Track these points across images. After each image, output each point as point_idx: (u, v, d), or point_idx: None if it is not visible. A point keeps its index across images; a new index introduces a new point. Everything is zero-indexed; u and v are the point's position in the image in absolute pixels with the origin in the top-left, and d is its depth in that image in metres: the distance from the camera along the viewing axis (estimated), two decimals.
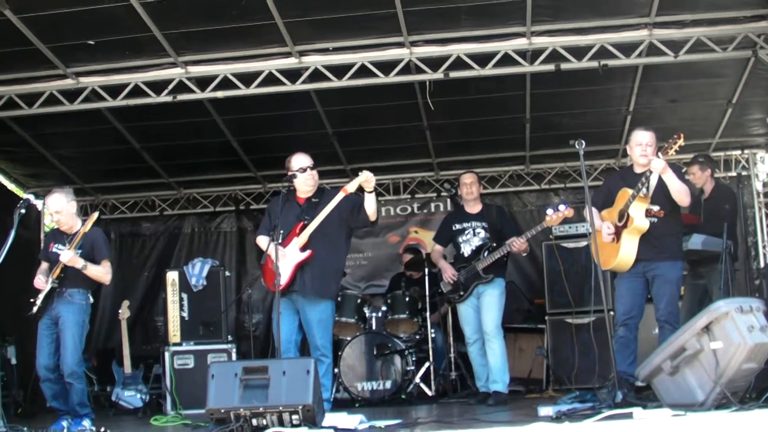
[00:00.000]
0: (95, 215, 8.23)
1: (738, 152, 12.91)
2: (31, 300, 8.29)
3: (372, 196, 7.98)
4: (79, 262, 8.13)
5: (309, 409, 6.24)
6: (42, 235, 12.80)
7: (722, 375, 6.35)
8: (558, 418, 6.60)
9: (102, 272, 8.38)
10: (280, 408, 6.24)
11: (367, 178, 7.82)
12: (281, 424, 6.27)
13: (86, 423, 8.03)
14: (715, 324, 6.41)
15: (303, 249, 7.99)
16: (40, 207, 12.90)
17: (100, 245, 8.46)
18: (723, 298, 8.35)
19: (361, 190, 7.96)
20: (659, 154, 7.48)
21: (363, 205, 8.01)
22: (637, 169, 7.92)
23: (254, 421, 6.29)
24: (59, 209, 8.42)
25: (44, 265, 8.51)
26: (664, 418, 5.86)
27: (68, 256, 8.07)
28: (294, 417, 6.25)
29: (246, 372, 6.40)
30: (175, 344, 10.69)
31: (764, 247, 12.59)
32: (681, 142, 7.37)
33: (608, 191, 8.17)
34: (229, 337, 10.91)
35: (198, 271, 10.93)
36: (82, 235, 8.15)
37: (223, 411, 6.31)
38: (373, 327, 10.78)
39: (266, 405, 6.26)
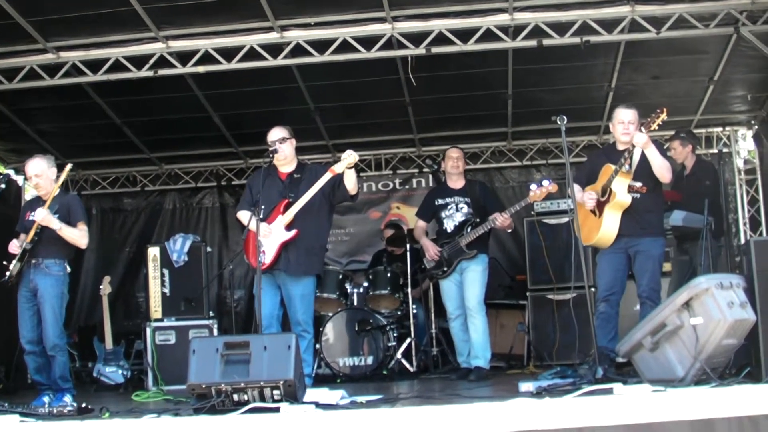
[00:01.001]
0: (68, 167, 8.27)
1: (719, 129, 12.94)
2: (4, 262, 8.27)
3: (352, 172, 7.99)
4: (54, 222, 8.10)
5: (290, 384, 6.23)
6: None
7: (702, 351, 6.38)
8: (538, 393, 6.63)
9: (78, 235, 8.35)
10: (261, 383, 6.22)
11: (353, 158, 7.82)
12: (262, 399, 6.25)
13: (67, 398, 8.01)
14: (695, 300, 6.44)
15: (288, 228, 7.98)
16: (20, 182, 12.83)
17: (76, 208, 8.43)
18: (706, 274, 8.46)
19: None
20: (642, 128, 7.50)
21: (343, 180, 8.00)
22: (620, 146, 7.94)
23: (235, 397, 6.27)
24: (39, 173, 8.38)
25: (21, 237, 8.47)
26: (643, 394, 5.86)
27: (42, 214, 8.07)
28: (275, 392, 6.23)
29: (227, 347, 6.38)
30: (156, 320, 10.67)
31: (745, 224, 12.64)
32: (664, 116, 7.40)
33: (591, 168, 8.19)
34: (210, 312, 10.86)
35: (179, 246, 10.89)
36: (55, 191, 8.18)
37: (204, 386, 6.29)
38: (355, 303, 10.81)
39: (247, 380, 6.24)
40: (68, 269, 8.41)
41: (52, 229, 8.16)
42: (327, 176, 7.94)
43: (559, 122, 7.49)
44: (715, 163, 10.92)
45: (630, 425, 5.43)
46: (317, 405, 6.31)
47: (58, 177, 8.47)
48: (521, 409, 5.62)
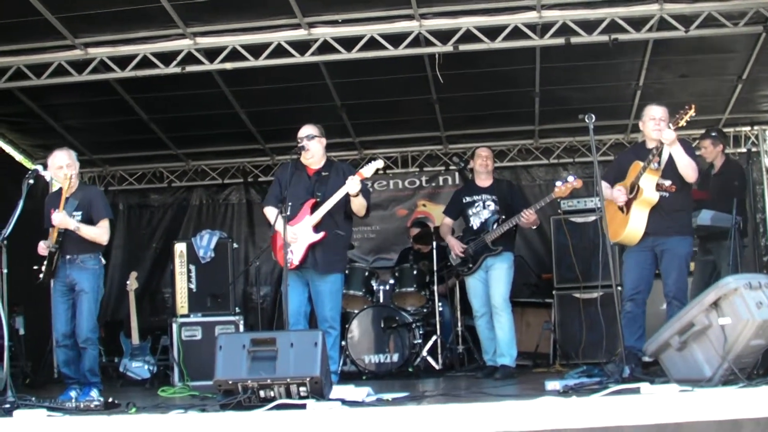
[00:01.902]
0: (73, 175, 8.27)
1: (747, 128, 12.85)
2: (35, 267, 8.32)
3: (360, 198, 8.02)
4: (70, 224, 8.14)
5: (316, 381, 6.24)
6: None
7: (730, 351, 6.33)
8: (565, 392, 6.61)
9: (97, 233, 8.36)
10: (288, 380, 6.23)
11: (357, 182, 7.87)
12: (288, 395, 6.26)
13: (94, 393, 8.06)
14: (723, 300, 6.38)
15: (316, 228, 8.00)
16: (47, 178, 12.86)
17: (97, 204, 8.46)
18: (731, 274, 8.40)
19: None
20: (670, 125, 7.46)
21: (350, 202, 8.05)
22: (650, 144, 7.90)
23: (261, 393, 6.28)
24: (70, 162, 8.41)
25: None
26: (671, 394, 5.82)
27: (58, 218, 8.11)
28: (301, 389, 6.25)
29: (254, 343, 6.39)
30: (182, 316, 10.73)
31: None
32: (692, 112, 7.38)
33: (620, 166, 8.15)
34: (236, 309, 10.92)
35: (206, 242, 10.93)
36: (65, 196, 8.19)
37: (230, 382, 6.30)
38: (381, 300, 10.84)
39: (274, 377, 6.25)
40: (103, 261, 8.51)
41: None
42: (356, 179, 7.91)
43: (587, 120, 7.45)
44: (743, 163, 10.89)
45: (657, 425, 5.41)
46: (343, 402, 6.30)
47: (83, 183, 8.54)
48: (548, 408, 5.59)
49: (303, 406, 6.01)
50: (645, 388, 5.98)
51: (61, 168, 8.42)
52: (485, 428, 5.52)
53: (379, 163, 8.18)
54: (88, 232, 8.29)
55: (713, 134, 9.71)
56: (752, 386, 6.10)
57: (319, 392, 6.27)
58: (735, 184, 9.42)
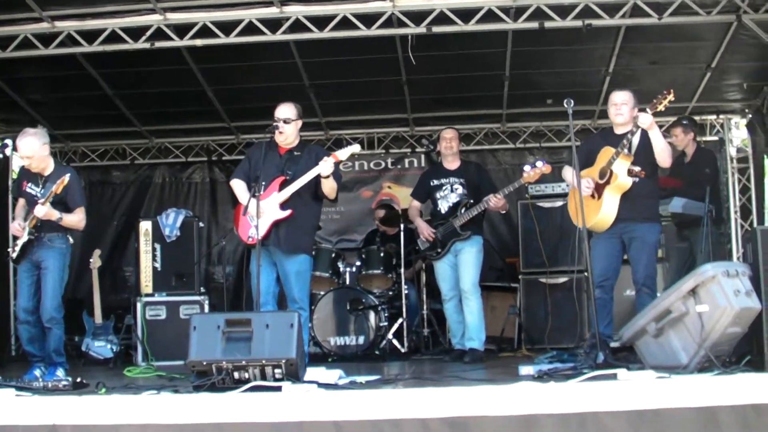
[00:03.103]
0: (66, 179, 8.06)
1: (713, 117, 12.87)
2: (8, 249, 8.32)
3: (330, 180, 7.97)
4: (54, 215, 8.05)
5: (292, 363, 6.21)
6: (10, 182, 12.63)
7: (707, 338, 6.38)
8: (540, 377, 6.61)
9: (76, 220, 8.34)
10: (263, 361, 6.20)
11: (331, 164, 7.83)
12: (263, 377, 6.24)
13: (60, 372, 7.99)
14: (701, 287, 6.43)
15: (283, 206, 7.91)
16: (8, 152, 12.68)
17: (74, 192, 8.34)
18: (707, 261, 8.47)
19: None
20: (647, 109, 7.47)
21: (321, 183, 7.99)
22: (617, 130, 7.94)
23: (236, 374, 6.25)
24: (30, 154, 8.26)
25: (21, 202, 8.49)
26: (648, 380, 5.85)
27: (43, 211, 7.99)
28: (276, 371, 6.22)
29: (228, 324, 6.34)
30: (147, 295, 10.64)
31: (736, 212, 12.63)
32: (671, 97, 7.41)
33: (588, 151, 8.15)
34: (201, 288, 10.84)
35: (172, 221, 10.84)
36: (53, 194, 8.01)
37: (204, 363, 6.25)
38: (347, 282, 10.77)
39: (249, 358, 6.22)
40: (71, 241, 8.40)
41: None
42: (330, 161, 7.83)
43: (566, 105, 7.47)
44: (714, 151, 10.96)
45: (636, 411, 5.42)
46: (318, 385, 6.27)
47: (58, 163, 8.49)
48: (527, 393, 5.60)
49: (278, 389, 5.98)
50: (622, 374, 6.02)
51: (23, 158, 8.41)
52: (464, 412, 5.51)
53: (356, 148, 8.19)
54: (70, 220, 8.26)
55: (684, 122, 9.76)
56: (728, 373, 6.16)
57: (295, 374, 6.25)
58: (706, 172, 9.49)
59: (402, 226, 10.55)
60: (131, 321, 10.60)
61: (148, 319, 10.52)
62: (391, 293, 10.83)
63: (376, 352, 10.25)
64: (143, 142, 13.52)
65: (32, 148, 8.23)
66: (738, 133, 13.03)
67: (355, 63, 11.08)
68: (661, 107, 7.43)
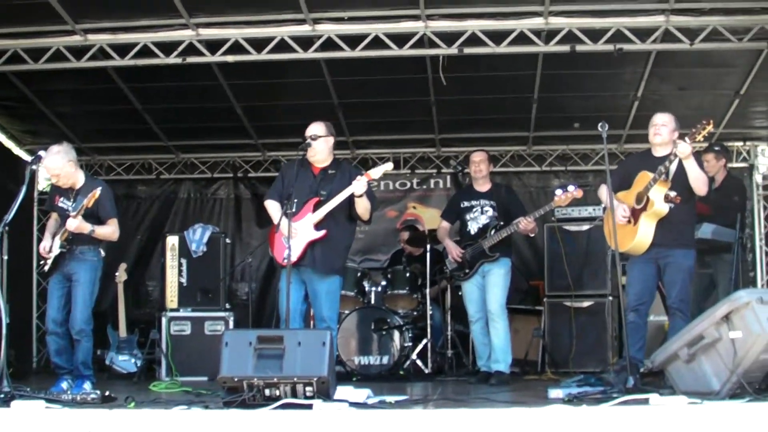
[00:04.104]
0: (97, 192, 8.02)
1: (740, 143, 12.84)
2: (41, 262, 8.32)
3: (364, 199, 7.96)
4: (86, 228, 8.05)
5: (323, 381, 6.18)
6: (35, 194, 12.70)
7: (739, 365, 6.32)
8: (570, 400, 6.57)
9: (109, 232, 8.33)
10: (295, 379, 6.17)
11: (364, 182, 7.85)
12: (294, 395, 6.20)
13: (87, 386, 7.96)
14: (735, 314, 6.38)
15: (317, 227, 7.92)
16: (36, 166, 12.72)
17: (105, 203, 8.30)
18: (731, 288, 8.45)
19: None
20: (686, 138, 7.45)
21: (355, 203, 7.99)
22: (655, 152, 7.92)
23: (267, 392, 6.21)
24: (57, 172, 8.28)
25: (53, 217, 8.54)
26: (680, 405, 5.82)
27: (74, 224, 7.98)
28: (308, 389, 6.19)
29: (260, 341, 6.32)
30: (172, 310, 10.65)
31: (761, 239, 12.60)
32: (710, 128, 7.40)
33: (626, 173, 8.12)
34: (226, 305, 10.84)
35: (198, 236, 10.88)
36: (85, 207, 8.01)
37: (236, 380, 6.21)
38: (372, 301, 10.74)
39: (280, 375, 6.18)
40: (102, 254, 8.41)
41: None
42: (363, 180, 7.85)
43: (600, 129, 7.46)
44: (742, 177, 10.92)
45: None
46: (350, 403, 6.24)
47: (87, 175, 8.59)
48: (560, 416, 5.59)
49: (309, 407, 5.96)
50: (654, 399, 5.98)
51: (51, 176, 8.44)
52: None
53: (389, 166, 8.22)
54: (102, 232, 8.27)
55: (716, 148, 9.72)
56: (760, 400, 6.11)
57: (326, 392, 6.22)
58: (735, 200, 9.47)
59: (428, 246, 10.52)
60: (156, 335, 10.55)
61: (172, 334, 10.53)
62: (415, 314, 10.81)
63: (400, 372, 10.20)
64: (169, 157, 13.55)
65: (58, 166, 8.25)
66: (764, 160, 12.98)
67: (384, 82, 11.14)
68: (700, 137, 7.43)
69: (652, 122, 7.98)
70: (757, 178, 12.82)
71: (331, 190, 7.98)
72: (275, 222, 8.03)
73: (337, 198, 7.90)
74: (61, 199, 8.32)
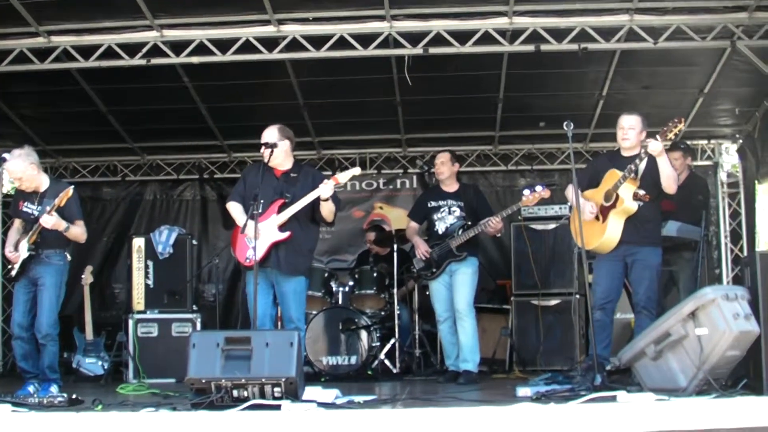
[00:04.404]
0: (70, 191, 8.02)
1: (705, 142, 12.96)
2: (9, 267, 8.29)
3: (329, 204, 8.00)
4: (62, 225, 8.05)
5: (291, 381, 6.18)
6: (0, 197, 12.61)
7: (706, 361, 6.39)
8: (538, 399, 6.59)
9: (80, 232, 8.36)
10: (263, 380, 6.17)
11: (331, 186, 7.88)
12: (262, 396, 6.20)
13: (54, 389, 7.93)
14: (701, 310, 6.45)
15: (281, 228, 7.91)
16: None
17: (71, 206, 8.30)
18: (694, 285, 8.54)
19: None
20: (657, 136, 7.51)
21: (320, 206, 7.99)
22: (624, 153, 7.95)
23: (235, 393, 6.21)
24: (19, 176, 8.28)
25: (15, 224, 8.47)
26: (648, 402, 5.85)
27: (51, 221, 7.97)
28: (276, 389, 6.19)
29: (228, 342, 6.31)
30: (138, 312, 10.59)
31: (726, 237, 12.70)
32: (682, 126, 7.48)
33: (594, 171, 8.19)
34: (194, 306, 10.81)
35: (165, 238, 10.82)
36: (56, 207, 7.97)
37: (204, 381, 6.21)
38: (339, 301, 10.74)
39: (248, 376, 6.18)
40: (68, 258, 8.37)
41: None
42: (330, 184, 7.86)
43: (565, 128, 7.51)
44: (706, 176, 11.01)
45: None
46: (318, 404, 6.24)
47: (51, 178, 8.61)
48: (528, 415, 5.59)
49: (278, 407, 5.94)
50: (621, 396, 6.01)
51: (17, 180, 8.43)
52: None
53: (356, 171, 8.23)
54: (74, 231, 8.27)
55: (682, 146, 9.80)
56: (727, 396, 6.16)
57: (294, 393, 6.23)
58: (699, 198, 9.55)
59: (395, 246, 10.53)
60: (123, 338, 10.48)
61: (140, 336, 10.47)
62: (383, 313, 10.82)
63: (369, 372, 10.19)
64: (135, 158, 13.49)
65: (20, 169, 8.23)
66: (729, 158, 13.07)
67: (350, 83, 11.11)
68: (671, 135, 7.50)
69: (619, 124, 8.02)
70: (722, 176, 12.93)
71: (294, 192, 7.99)
72: (238, 223, 8.02)
73: (303, 200, 7.89)
74: (26, 203, 8.27)
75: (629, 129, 7.92)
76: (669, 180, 7.70)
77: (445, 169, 9.62)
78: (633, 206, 7.70)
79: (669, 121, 7.58)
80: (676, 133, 7.51)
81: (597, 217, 7.87)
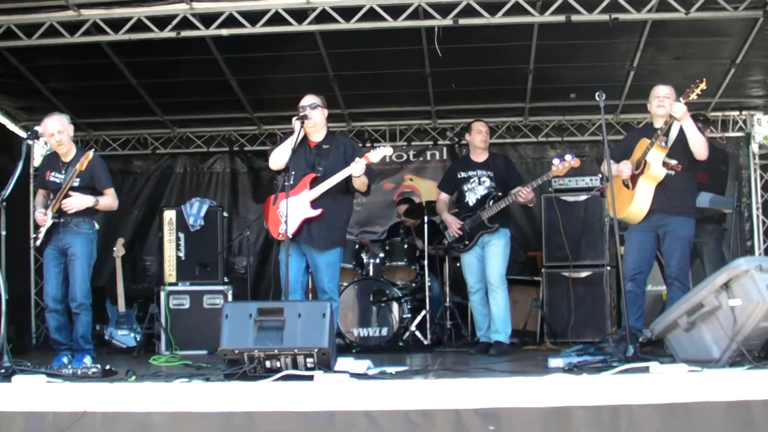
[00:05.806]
0: (90, 154, 8.08)
1: (736, 113, 12.85)
2: (33, 236, 8.35)
3: (363, 179, 7.99)
4: (88, 201, 8.08)
5: (324, 352, 6.20)
6: (31, 169, 12.64)
7: (739, 332, 6.32)
8: (570, 369, 6.57)
9: (110, 202, 8.44)
10: (295, 350, 6.18)
11: (363, 165, 7.86)
12: (295, 366, 6.22)
13: (87, 360, 7.99)
14: (734, 281, 6.37)
15: (313, 204, 7.91)
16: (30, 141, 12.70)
17: (99, 174, 8.35)
18: (723, 258, 8.49)
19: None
20: (680, 98, 7.47)
21: (352, 179, 7.99)
22: (657, 124, 7.89)
23: (267, 363, 6.23)
24: (61, 128, 8.28)
25: (41, 193, 8.51)
26: (680, 373, 5.83)
27: (78, 201, 8.07)
28: (308, 360, 6.20)
29: (260, 313, 6.33)
30: (170, 284, 10.66)
31: (758, 208, 12.60)
32: (703, 86, 7.40)
33: (627, 145, 8.16)
34: (225, 278, 10.85)
35: (196, 210, 10.87)
36: (77, 173, 8.01)
37: (237, 352, 6.24)
38: (371, 273, 10.76)
39: (281, 347, 6.20)
40: (96, 226, 8.43)
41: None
42: (362, 162, 7.85)
43: (597, 98, 7.42)
44: (736, 147, 10.93)
45: (669, 404, 5.43)
46: (350, 374, 6.25)
47: (79, 149, 8.55)
48: (560, 385, 5.60)
49: (310, 378, 5.96)
50: (654, 368, 5.98)
51: (53, 135, 8.31)
52: (496, 403, 5.52)
53: (388, 150, 8.13)
54: (104, 203, 8.36)
55: (701, 118, 9.72)
56: (760, 368, 6.12)
57: (326, 364, 6.23)
58: (722, 168, 9.49)
59: (426, 218, 10.52)
60: (155, 310, 10.54)
61: (171, 308, 10.56)
62: (414, 285, 10.83)
63: (400, 344, 10.24)
64: (165, 131, 13.53)
65: (62, 123, 8.31)
66: (761, 130, 12.95)
67: (380, 54, 11.07)
68: (693, 96, 7.43)
69: (654, 93, 7.95)
70: (754, 147, 12.82)
71: (327, 165, 7.98)
72: (284, 149, 7.96)
73: (335, 178, 7.89)
74: (52, 174, 8.29)
75: (665, 97, 7.85)
76: (697, 146, 7.64)
77: (488, 137, 9.61)
78: (661, 172, 7.65)
79: (684, 88, 7.53)
80: (698, 93, 7.42)
81: (626, 185, 7.83)
